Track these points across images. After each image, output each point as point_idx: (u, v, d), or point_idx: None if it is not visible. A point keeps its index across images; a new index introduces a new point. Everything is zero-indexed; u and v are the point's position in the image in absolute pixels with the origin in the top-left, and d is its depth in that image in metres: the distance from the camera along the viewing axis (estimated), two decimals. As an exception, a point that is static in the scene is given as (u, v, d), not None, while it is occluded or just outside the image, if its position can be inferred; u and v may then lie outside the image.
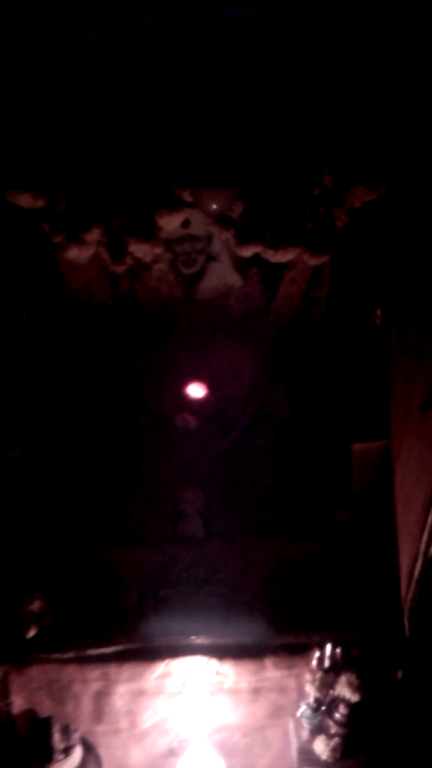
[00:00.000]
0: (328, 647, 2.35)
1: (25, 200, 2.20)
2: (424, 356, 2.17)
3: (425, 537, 2.18)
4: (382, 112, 2.03)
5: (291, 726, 2.41)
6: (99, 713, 2.38)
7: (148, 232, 2.38)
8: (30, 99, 1.96)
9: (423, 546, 2.21)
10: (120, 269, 2.49)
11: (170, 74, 1.95)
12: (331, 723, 2.33)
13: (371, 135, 2.10)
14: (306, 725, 2.38)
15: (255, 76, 1.96)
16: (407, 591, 2.33)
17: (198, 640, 2.39)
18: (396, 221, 2.30)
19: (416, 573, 2.25)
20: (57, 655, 2.34)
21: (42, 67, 1.89)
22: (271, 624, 2.38)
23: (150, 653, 2.39)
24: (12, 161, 2.10)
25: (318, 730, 2.36)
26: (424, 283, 2.17)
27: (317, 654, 2.36)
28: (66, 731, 2.32)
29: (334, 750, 2.33)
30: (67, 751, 2.31)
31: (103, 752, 2.39)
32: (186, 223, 2.43)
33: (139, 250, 2.43)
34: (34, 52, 1.87)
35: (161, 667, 2.39)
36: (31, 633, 2.38)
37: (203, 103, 1.99)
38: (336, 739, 2.32)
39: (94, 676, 2.38)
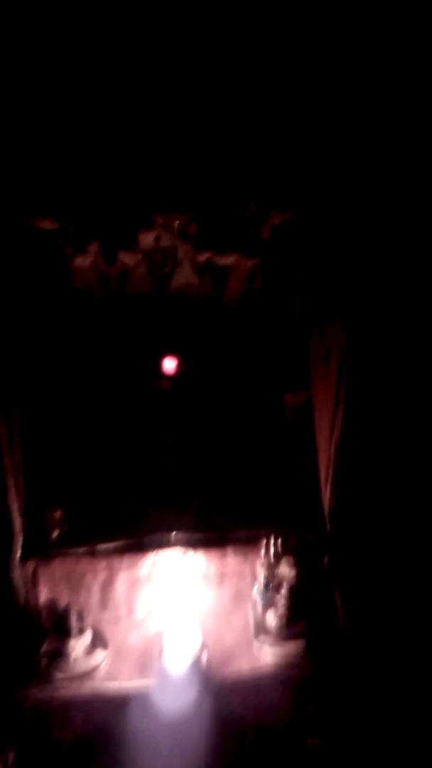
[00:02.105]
0: (273, 538, 2.92)
1: (46, 224, 2.94)
2: (326, 325, 3.08)
3: (333, 450, 3.02)
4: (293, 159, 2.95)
5: (249, 606, 2.92)
6: (104, 601, 2.92)
7: (132, 245, 3.06)
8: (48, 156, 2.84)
9: (332, 459, 3.04)
10: (112, 272, 3.13)
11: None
12: (277, 598, 2.85)
13: (284, 177, 2.99)
14: (259, 601, 2.89)
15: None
16: (325, 495, 3.07)
17: (177, 535, 2.99)
18: (306, 234, 3.14)
19: (330, 478, 3.05)
20: (73, 550, 2.92)
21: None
22: (231, 521, 3.05)
23: (142, 546, 2.94)
24: (36, 196, 2.89)
25: (268, 605, 2.87)
26: (326, 277, 3.08)
27: (264, 543, 2.92)
28: (80, 615, 2.82)
29: (280, 618, 2.83)
30: (81, 631, 2.81)
31: (108, 636, 2.88)
32: (158, 239, 3.07)
33: (125, 258, 3.09)
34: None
35: (151, 558, 2.94)
36: (54, 535, 2.97)
37: (174, 159, 2.88)
38: (281, 611, 2.83)
39: (101, 566, 2.92)
